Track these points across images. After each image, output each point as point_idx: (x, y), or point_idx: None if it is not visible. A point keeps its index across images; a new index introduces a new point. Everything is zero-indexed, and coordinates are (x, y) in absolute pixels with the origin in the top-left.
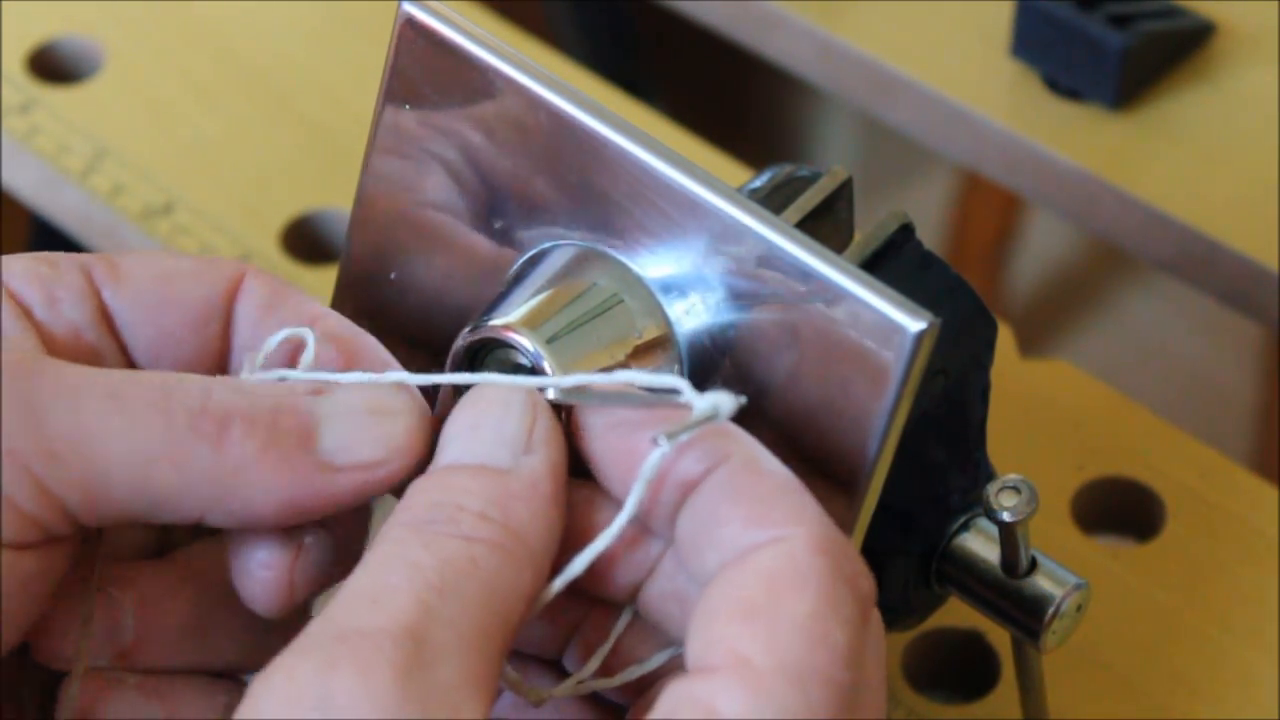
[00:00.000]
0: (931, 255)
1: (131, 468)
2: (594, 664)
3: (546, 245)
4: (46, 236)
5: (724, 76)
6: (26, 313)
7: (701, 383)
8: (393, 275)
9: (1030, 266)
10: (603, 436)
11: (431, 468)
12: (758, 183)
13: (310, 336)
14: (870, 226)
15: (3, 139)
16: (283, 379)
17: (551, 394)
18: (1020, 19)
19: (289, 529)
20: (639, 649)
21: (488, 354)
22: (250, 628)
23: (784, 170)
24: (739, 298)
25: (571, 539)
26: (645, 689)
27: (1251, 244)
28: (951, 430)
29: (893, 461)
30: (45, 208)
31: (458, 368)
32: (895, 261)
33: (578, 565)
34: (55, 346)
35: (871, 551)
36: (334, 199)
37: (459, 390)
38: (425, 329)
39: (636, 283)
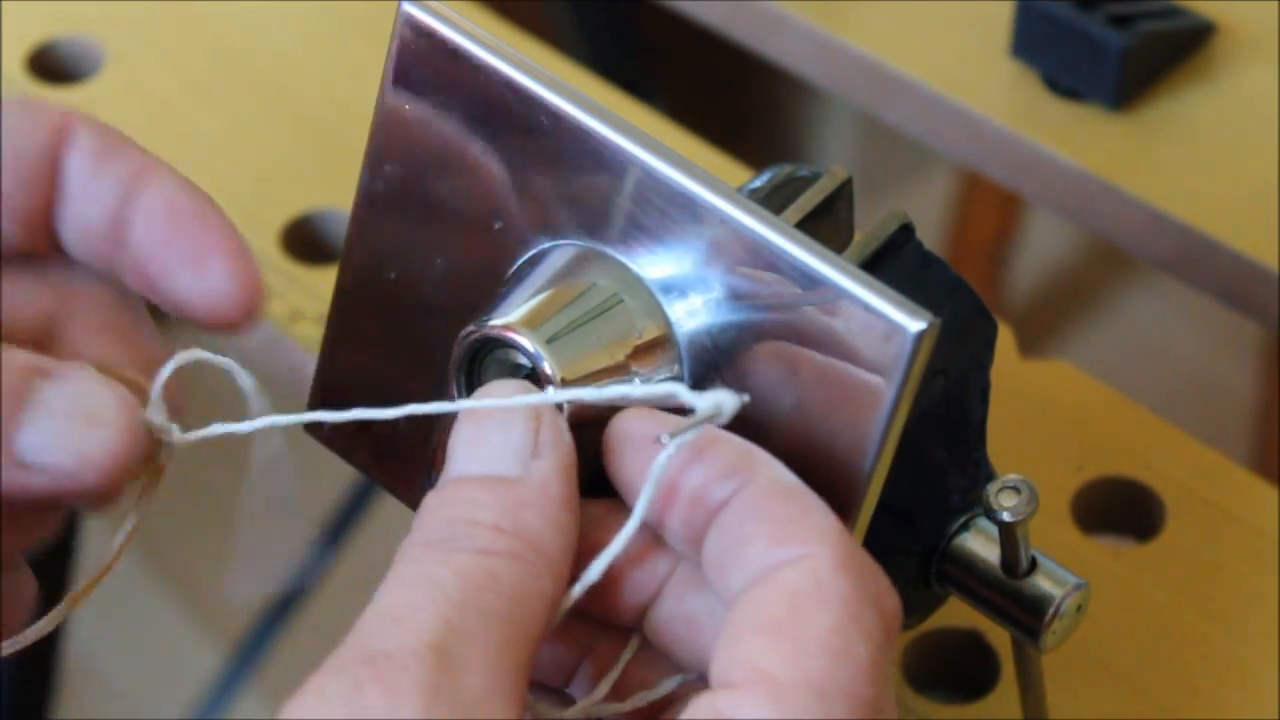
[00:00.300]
0: (931, 255)
1: None
2: (603, 689)
3: (546, 245)
4: None
5: (724, 76)
6: None
7: (702, 382)
8: (393, 275)
9: (1030, 266)
10: (621, 450)
11: (441, 479)
12: (758, 183)
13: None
14: (870, 226)
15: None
16: None
17: (551, 393)
18: (1020, 19)
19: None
20: (647, 675)
21: (488, 354)
22: None
23: (784, 170)
24: (739, 298)
25: (589, 555)
26: (655, 715)
27: (1251, 244)
28: (951, 430)
29: (893, 461)
30: None
31: (459, 368)
32: (895, 261)
33: (595, 570)
34: None
35: (871, 551)
36: (334, 199)
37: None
38: (425, 329)
39: (636, 283)
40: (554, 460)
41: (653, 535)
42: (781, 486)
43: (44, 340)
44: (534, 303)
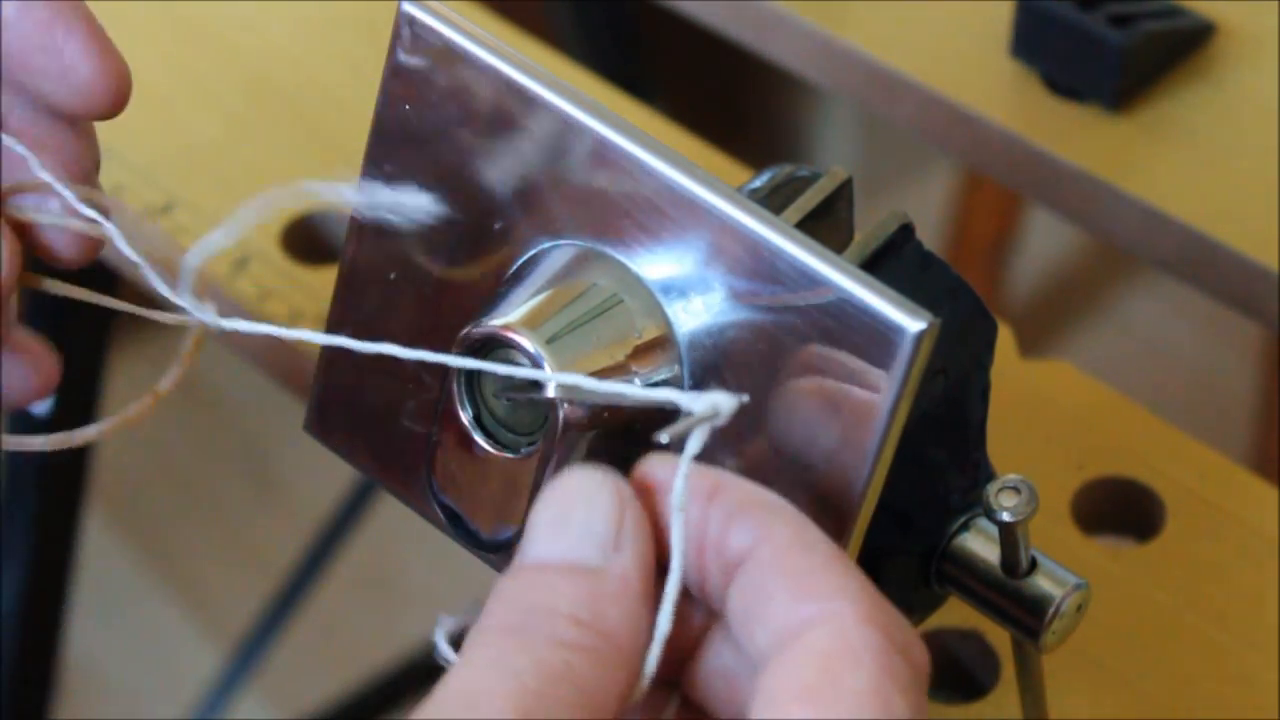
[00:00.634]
0: (931, 255)
1: None
2: None
3: (546, 245)
4: None
5: (724, 76)
6: None
7: (702, 382)
8: (392, 275)
9: (1030, 266)
10: (644, 499)
11: (519, 559)
12: (758, 183)
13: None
14: (870, 226)
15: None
16: None
17: (551, 391)
18: (1020, 19)
19: None
20: None
21: (488, 354)
22: None
23: (784, 170)
24: (739, 298)
25: None
26: None
27: (1251, 244)
28: (951, 430)
29: (893, 461)
30: None
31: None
32: (895, 261)
33: (653, 661)
34: None
35: (872, 551)
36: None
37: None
38: (425, 329)
39: (636, 283)
40: (635, 553)
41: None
42: (800, 539)
43: None
44: (534, 303)
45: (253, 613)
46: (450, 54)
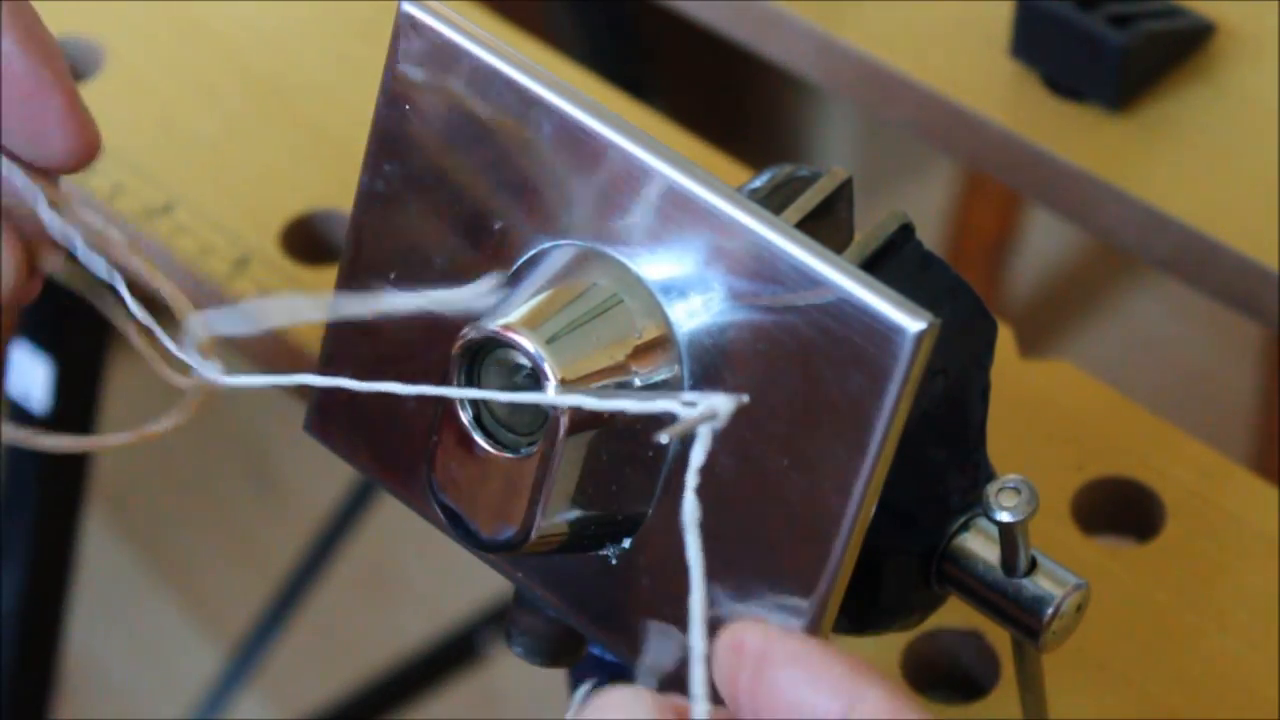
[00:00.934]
0: (931, 255)
1: None
2: None
3: (546, 245)
4: None
5: (724, 76)
6: None
7: (702, 382)
8: (392, 275)
9: (1030, 266)
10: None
11: None
12: (758, 183)
13: None
14: (870, 226)
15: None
16: None
17: (550, 394)
18: (1020, 19)
19: None
20: None
21: (488, 354)
22: None
23: (784, 170)
24: (739, 298)
25: None
26: None
27: (1251, 244)
28: (951, 430)
29: (893, 461)
30: None
31: (459, 368)
32: (895, 261)
33: (698, 677)
34: None
35: (872, 551)
36: (334, 199)
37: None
38: (425, 329)
39: (636, 283)
40: None
41: None
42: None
43: None
44: (534, 303)
45: (253, 613)
46: (450, 54)
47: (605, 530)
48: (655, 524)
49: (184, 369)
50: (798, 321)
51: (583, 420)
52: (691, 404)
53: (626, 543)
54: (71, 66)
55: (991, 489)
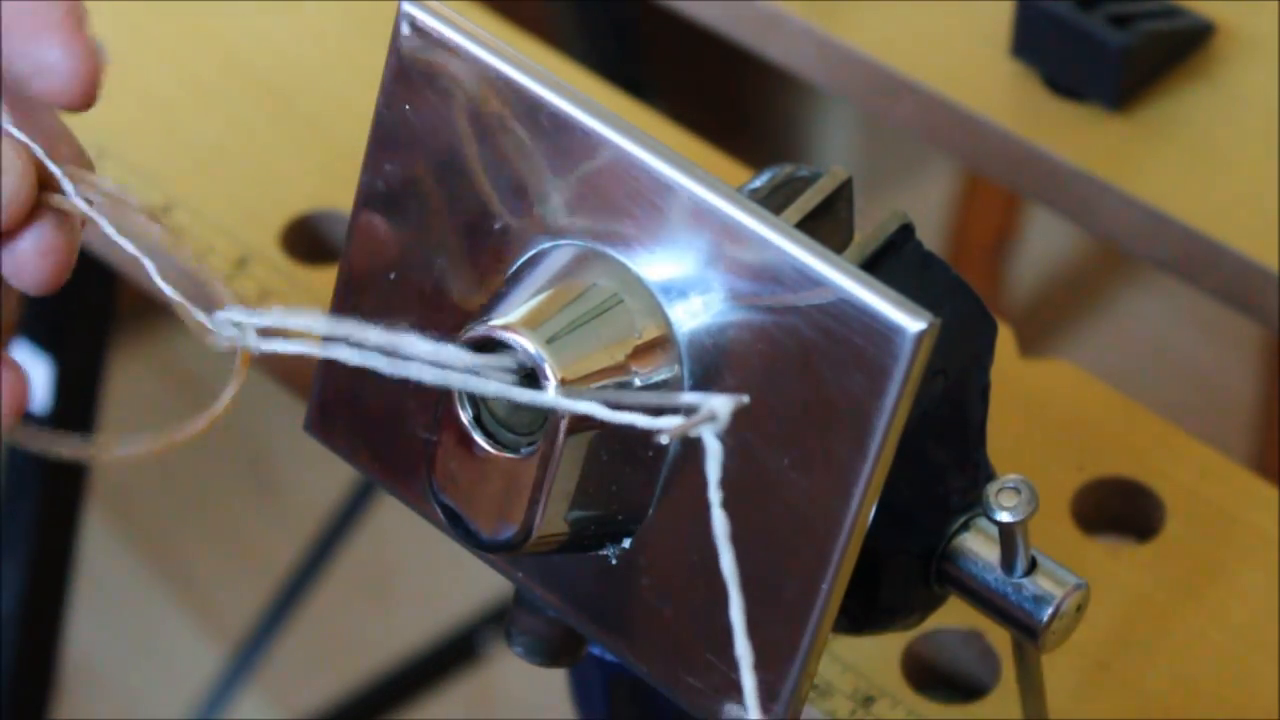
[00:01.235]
0: (931, 255)
1: None
2: None
3: (546, 245)
4: None
5: (724, 76)
6: None
7: (702, 383)
8: (392, 275)
9: (1030, 266)
10: None
11: None
12: (758, 183)
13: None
14: (870, 226)
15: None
16: None
17: (551, 392)
18: (1020, 19)
19: None
20: None
21: (488, 354)
22: None
23: (784, 170)
24: (739, 298)
25: None
26: None
27: (1251, 244)
28: (951, 430)
29: (893, 461)
30: None
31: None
32: (895, 261)
33: (749, 683)
34: None
35: (872, 551)
36: (334, 199)
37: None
38: (425, 329)
39: (636, 283)
40: None
41: None
42: None
43: None
44: (534, 303)
45: (253, 613)
46: (450, 54)
47: (605, 530)
48: (655, 524)
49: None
50: (798, 322)
51: (583, 420)
52: (693, 395)
53: (626, 543)
54: None
55: (991, 489)
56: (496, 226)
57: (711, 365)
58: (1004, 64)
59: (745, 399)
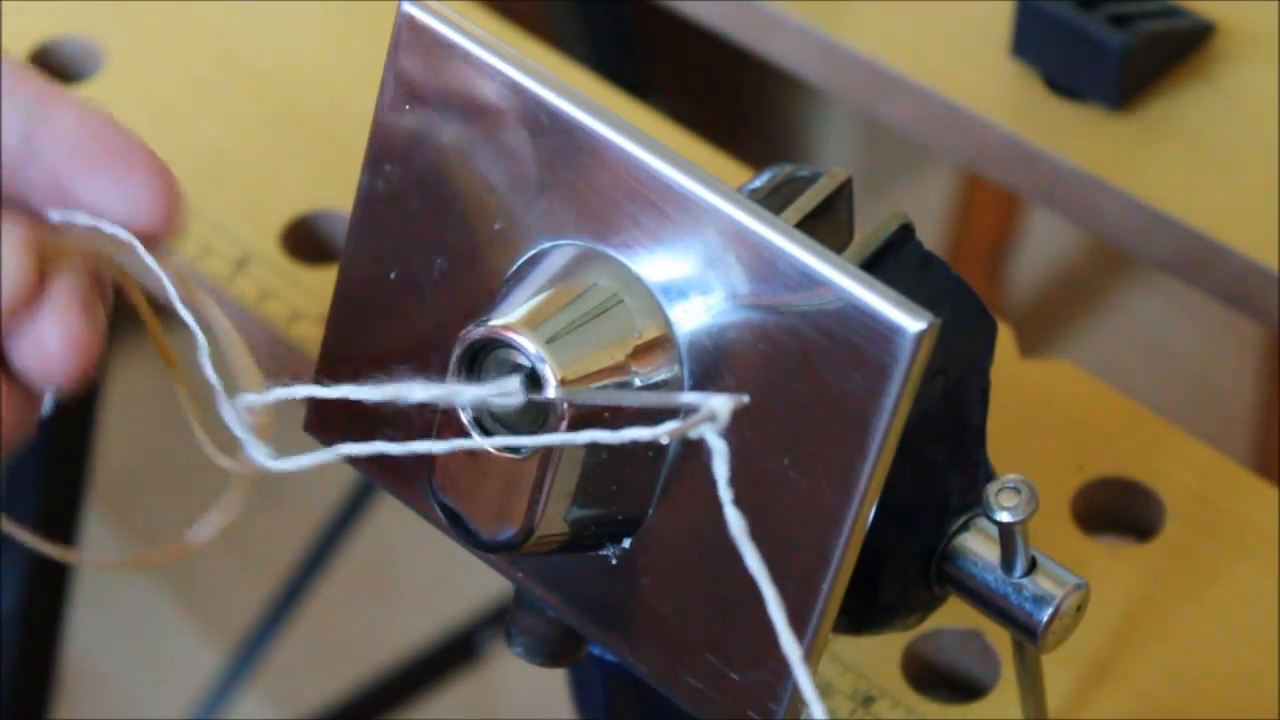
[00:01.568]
0: (931, 255)
1: None
2: None
3: (546, 245)
4: None
5: (724, 76)
6: None
7: (702, 383)
8: (392, 275)
9: (1030, 266)
10: None
11: None
12: (758, 183)
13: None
14: (870, 226)
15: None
16: None
17: (551, 392)
18: (1020, 19)
19: None
20: None
21: (488, 354)
22: None
23: (784, 170)
24: (739, 298)
25: None
26: None
27: (1251, 244)
28: (951, 431)
29: (893, 461)
30: None
31: (459, 367)
32: (895, 261)
33: (805, 683)
34: None
35: (871, 551)
36: (334, 199)
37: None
38: (425, 329)
39: (636, 283)
40: None
41: None
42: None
43: None
44: (534, 303)
45: (253, 613)
46: (450, 54)
47: (605, 530)
48: (655, 524)
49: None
50: (798, 322)
51: (583, 420)
52: (694, 392)
53: (626, 543)
54: (71, 66)
55: (991, 489)
56: (496, 226)
57: (711, 365)
58: (1004, 64)
59: (745, 399)
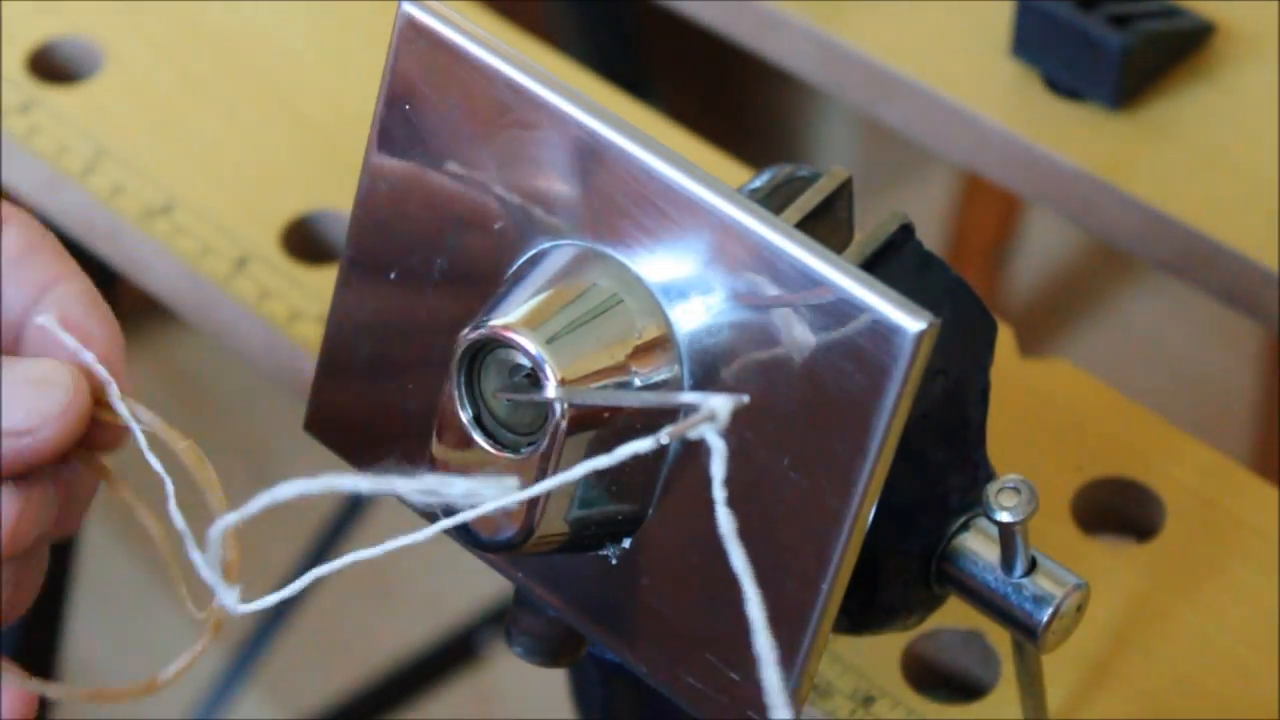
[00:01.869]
0: (931, 255)
1: None
2: None
3: (546, 245)
4: None
5: (724, 76)
6: None
7: (702, 383)
8: (392, 275)
9: (1030, 266)
10: None
11: None
12: (758, 183)
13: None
14: (870, 226)
15: (3, 139)
16: None
17: (550, 392)
18: (1020, 19)
19: None
20: None
21: (488, 354)
22: None
23: (784, 170)
24: (739, 298)
25: None
26: None
27: (1251, 244)
28: (951, 430)
29: (893, 461)
30: (45, 208)
31: (459, 367)
32: (895, 261)
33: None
34: None
35: (872, 551)
36: (334, 199)
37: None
38: (426, 329)
39: (636, 283)
40: None
41: None
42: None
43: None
44: (534, 303)
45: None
46: (450, 54)
47: (605, 530)
48: (655, 524)
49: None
50: (797, 321)
51: (583, 420)
52: (694, 395)
53: (626, 543)
54: (71, 66)
55: (991, 489)
56: (496, 226)
57: (711, 365)
58: (1004, 64)
59: (745, 398)
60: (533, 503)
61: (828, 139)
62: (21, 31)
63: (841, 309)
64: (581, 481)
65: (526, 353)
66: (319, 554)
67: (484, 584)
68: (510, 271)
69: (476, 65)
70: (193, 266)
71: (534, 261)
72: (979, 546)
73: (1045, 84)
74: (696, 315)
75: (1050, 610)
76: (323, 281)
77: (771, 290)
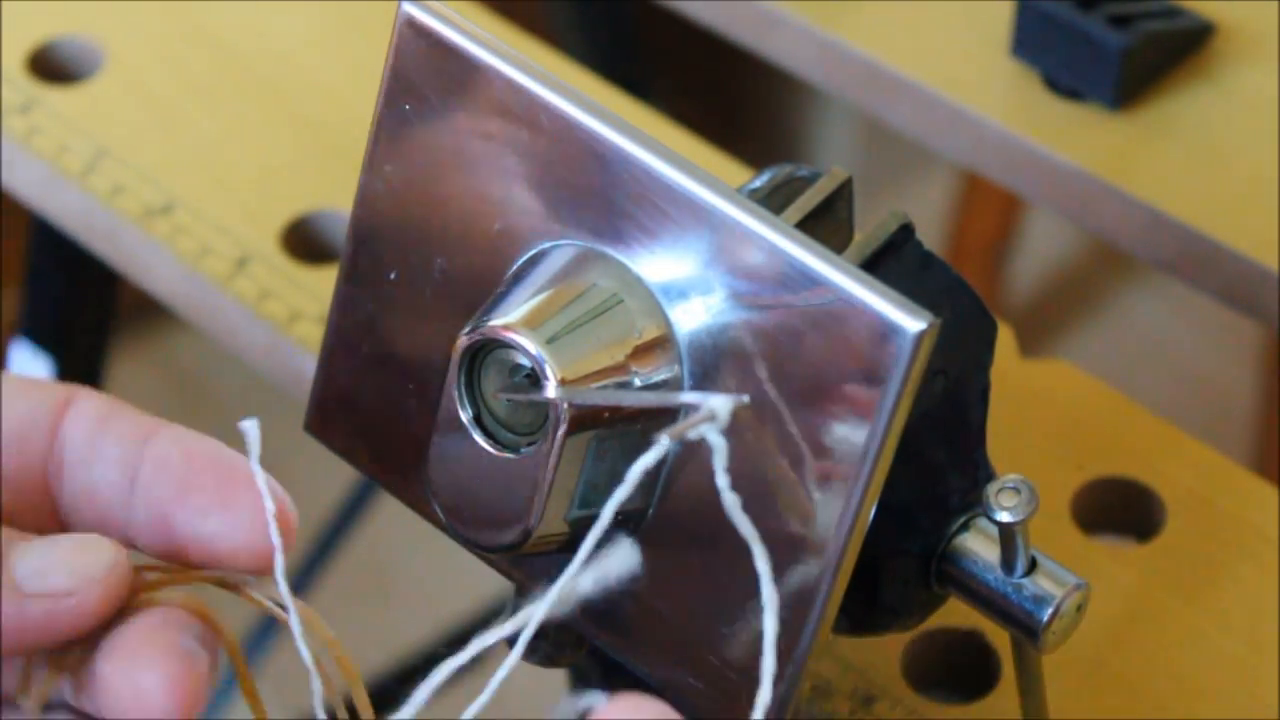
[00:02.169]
0: (931, 255)
1: None
2: None
3: (546, 245)
4: (46, 237)
5: (724, 76)
6: None
7: (702, 383)
8: (392, 275)
9: (1030, 266)
10: None
11: None
12: (758, 183)
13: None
14: (870, 226)
15: (3, 139)
16: None
17: (551, 392)
18: (1020, 19)
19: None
20: None
21: (488, 354)
22: None
23: (784, 170)
24: (739, 298)
25: None
26: None
27: (1251, 244)
28: (951, 430)
29: (893, 461)
30: (45, 208)
31: (459, 367)
32: (895, 261)
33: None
34: None
35: (872, 551)
36: (334, 199)
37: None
38: (426, 329)
39: (636, 283)
40: None
41: None
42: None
43: None
44: (534, 303)
45: (253, 613)
46: (450, 54)
47: (605, 530)
48: (655, 524)
49: None
50: (798, 322)
51: (583, 420)
52: (693, 395)
53: None
54: (71, 66)
55: (991, 489)
56: (496, 226)
57: (711, 365)
58: (1004, 64)
59: (745, 398)
60: (533, 502)
61: (828, 139)
62: (21, 31)
63: (841, 309)
64: (581, 481)
65: (527, 353)
66: (319, 554)
67: (484, 584)
68: (510, 271)
69: (476, 65)
70: (193, 266)
71: (534, 261)
72: (979, 546)
73: (1045, 84)
74: (696, 315)
75: (1050, 610)
76: (323, 281)
77: (771, 290)
